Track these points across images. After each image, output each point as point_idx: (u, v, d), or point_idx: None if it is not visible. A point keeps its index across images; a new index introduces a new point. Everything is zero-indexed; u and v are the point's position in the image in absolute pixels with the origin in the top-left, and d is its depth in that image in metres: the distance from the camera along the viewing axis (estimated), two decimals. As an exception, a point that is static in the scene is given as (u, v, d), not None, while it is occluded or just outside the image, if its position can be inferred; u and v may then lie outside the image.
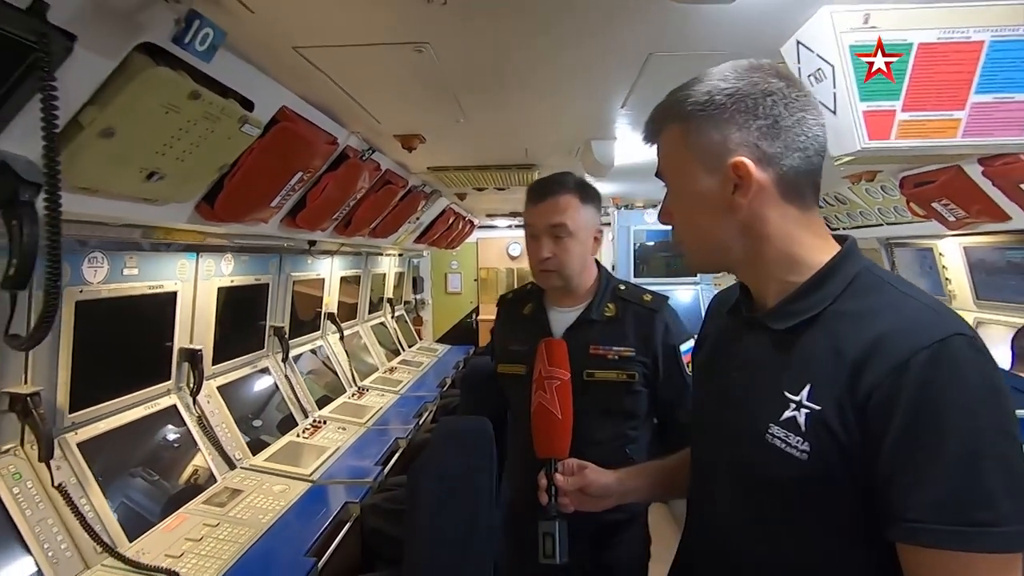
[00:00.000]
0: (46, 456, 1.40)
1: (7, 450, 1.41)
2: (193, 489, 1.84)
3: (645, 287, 1.44)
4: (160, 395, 1.91)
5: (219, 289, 2.19)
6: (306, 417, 2.63)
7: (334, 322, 3.25)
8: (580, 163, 2.23)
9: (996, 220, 2.32)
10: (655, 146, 0.79)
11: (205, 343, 2.12)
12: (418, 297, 5.22)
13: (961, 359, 0.60)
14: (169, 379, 1.95)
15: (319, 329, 3.17)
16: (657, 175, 0.79)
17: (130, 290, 1.74)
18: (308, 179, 1.62)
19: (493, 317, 1.57)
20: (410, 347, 4.47)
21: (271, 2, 0.91)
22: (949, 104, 0.98)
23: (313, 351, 3.07)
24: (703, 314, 0.96)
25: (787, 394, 0.68)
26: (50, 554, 1.37)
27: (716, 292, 1.00)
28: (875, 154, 1.01)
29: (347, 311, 3.55)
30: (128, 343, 1.78)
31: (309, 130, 1.44)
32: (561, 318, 1.36)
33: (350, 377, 3.22)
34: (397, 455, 2.44)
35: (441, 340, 4.95)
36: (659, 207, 0.82)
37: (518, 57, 1.16)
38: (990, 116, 0.98)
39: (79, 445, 1.56)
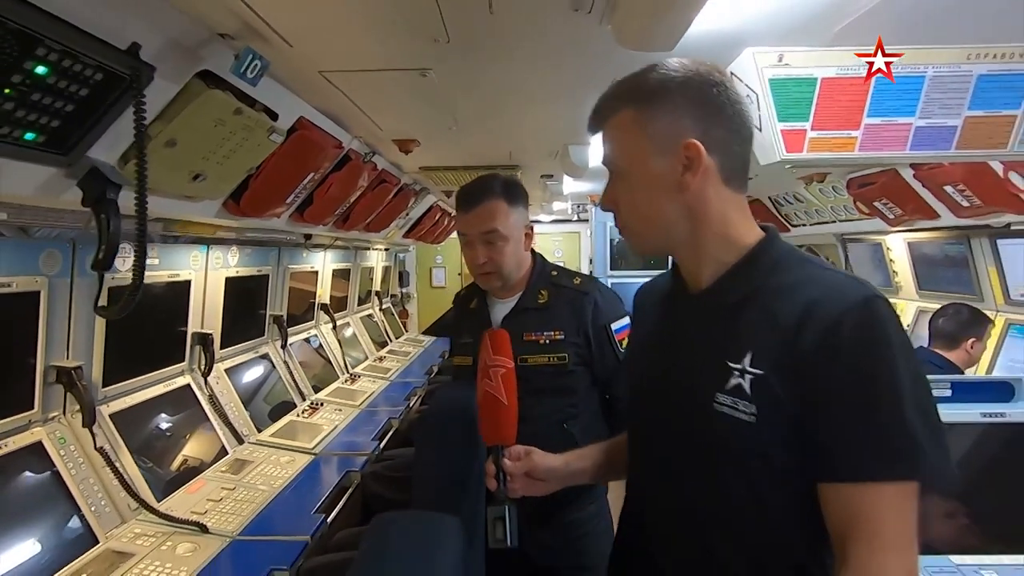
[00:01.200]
0: (89, 422, 1.60)
1: (52, 417, 1.60)
2: (208, 459, 2.04)
3: (576, 271, 1.52)
4: (176, 375, 2.11)
5: (226, 279, 2.38)
6: (303, 400, 2.83)
7: (327, 312, 3.45)
8: (560, 164, 2.48)
9: (928, 218, 2.63)
10: (599, 134, 0.82)
11: (214, 328, 2.32)
12: (404, 290, 5.43)
13: (882, 318, 0.68)
14: (183, 360, 2.15)
15: (313, 319, 3.37)
16: (604, 162, 0.83)
17: (152, 278, 1.94)
18: (316, 179, 1.84)
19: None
20: (397, 338, 4.68)
21: (308, 38, 1.13)
22: (848, 125, 1.25)
23: (307, 340, 3.27)
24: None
25: (730, 364, 0.74)
26: (93, 508, 1.57)
27: (641, 284, 1.05)
28: (793, 163, 1.28)
29: (337, 303, 3.74)
30: (149, 327, 1.97)
31: (321, 137, 1.66)
32: (500, 308, 1.44)
33: (342, 364, 3.43)
34: (390, 433, 2.66)
35: (426, 332, 5.16)
36: (604, 191, 0.84)
37: (505, 78, 1.41)
38: (879, 135, 1.25)
39: (111, 416, 1.76)
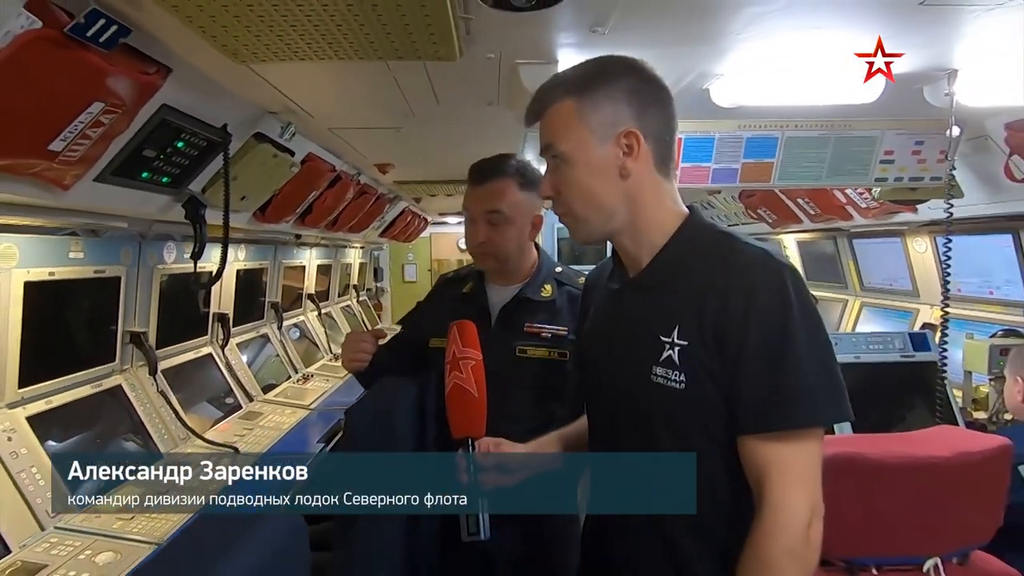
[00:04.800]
0: (153, 372, 2.27)
1: (125, 369, 2.26)
2: (228, 410, 2.71)
3: (581, 271, 1.51)
4: (201, 346, 2.78)
5: (237, 271, 3.05)
6: (296, 372, 3.51)
7: (313, 301, 4.12)
8: (506, 179, 3.23)
9: (795, 222, 3.45)
10: (536, 125, 0.89)
11: (229, 310, 2.98)
12: (379, 285, 6.11)
13: (787, 285, 0.78)
14: (206, 334, 2.82)
15: (301, 307, 4.04)
16: (543, 152, 0.89)
17: (187, 269, 2.60)
18: (316, 194, 2.54)
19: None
20: (373, 327, 5.35)
21: (324, 111, 1.85)
22: (670, 167, 2.01)
23: (295, 325, 3.93)
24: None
25: (662, 338, 0.83)
26: (155, 436, 2.24)
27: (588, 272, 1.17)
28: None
29: (320, 296, 4.41)
30: (183, 306, 2.63)
31: (323, 165, 2.37)
32: (499, 294, 1.43)
33: (326, 346, 4.10)
34: (369, 397, 3.36)
35: (400, 322, 5.84)
36: (543, 180, 0.90)
37: (453, 134, 2.13)
38: (691, 173, 2.02)
39: (162, 371, 2.42)
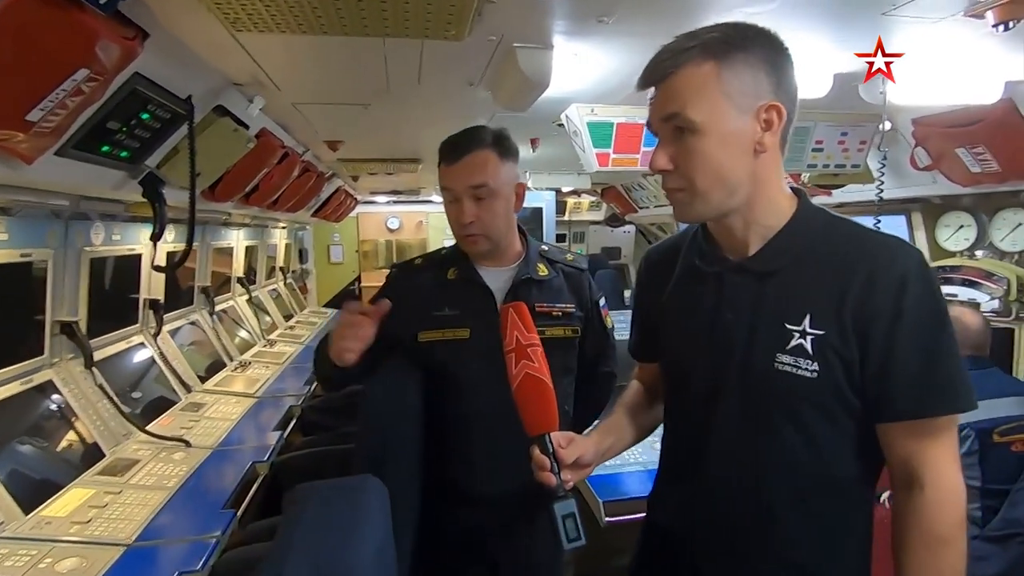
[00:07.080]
0: (89, 365, 2.08)
1: (55, 363, 2.06)
2: (166, 402, 2.54)
3: (563, 247, 1.53)
4: (134, 334, 2.57)
5: (168, 253, 2.83)
6: (231, 360, 3.33)
7: (243, 284, 3.90)
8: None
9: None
10: (660, 85, 0.80)
11: (160, 296, 2.77)
12: (304, 266, 5.85)
13: (933, 278, 0.79)
14: (138, 323, 2.61)
15: (230, 291, 3.81)
16: (664, 116, 0.81)
17: (116, 251, 2.39)
18: (265, 171, 2.42)
19: (377, 284, 1.52)
20: (301, 311, 5.15)
21: (295, 85, 1.76)
22: (632, 150, 2.12)
23: (224, 310, 3.71)
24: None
25: (788, 325, 0.80)
26: (96, 434, 2.07)
27: (648, 249, 1.10)
28: (602, 173, 2.13)
29: (247, 279, 4.17)
30: (111, 292, 2.41)
31: (275, 141, 2.25)
32: (497, 277, 1.34)
33: (259, 331, 3.91)
34: (315, 384, 3.26)
35: (327, 305, 5.65)
36: (655, 151, 0.84)
37: (422, 115, 2.11)
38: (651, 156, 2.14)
39: (96, 363, 2.22)
